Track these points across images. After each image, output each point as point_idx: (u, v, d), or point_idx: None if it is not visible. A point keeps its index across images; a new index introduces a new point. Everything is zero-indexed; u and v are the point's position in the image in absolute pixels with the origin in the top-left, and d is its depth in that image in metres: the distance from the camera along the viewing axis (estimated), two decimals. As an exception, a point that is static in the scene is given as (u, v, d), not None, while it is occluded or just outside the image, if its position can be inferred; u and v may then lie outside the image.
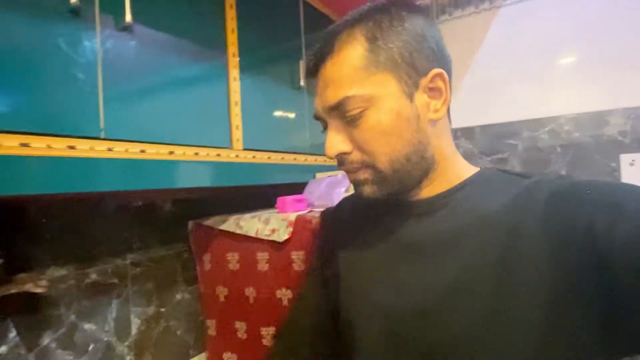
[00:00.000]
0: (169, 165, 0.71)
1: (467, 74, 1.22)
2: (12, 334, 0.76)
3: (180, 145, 0.74)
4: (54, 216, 0.84)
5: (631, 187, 0.40)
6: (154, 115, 0.71)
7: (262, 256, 0.94)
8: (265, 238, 0.91)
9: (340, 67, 0.46)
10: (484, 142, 1.17)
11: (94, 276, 0.90)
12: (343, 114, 0.47)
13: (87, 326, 0.88)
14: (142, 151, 0.66)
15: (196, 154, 0.77)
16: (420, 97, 0.47)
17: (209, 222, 1.04)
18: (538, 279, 0.39)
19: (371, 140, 0.46)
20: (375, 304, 0.50)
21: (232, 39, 0.89)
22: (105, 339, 0.92)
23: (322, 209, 0.91)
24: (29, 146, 0.52)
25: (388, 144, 0.46)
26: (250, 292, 0.96)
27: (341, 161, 0.50)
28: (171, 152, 0.72)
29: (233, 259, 0.99)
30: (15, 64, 0.52)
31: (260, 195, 1.23)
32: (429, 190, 0.51)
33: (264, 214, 0.97)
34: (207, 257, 1.06)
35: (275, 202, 1.02)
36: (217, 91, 0.86)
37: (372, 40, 0.46)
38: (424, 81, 0.47)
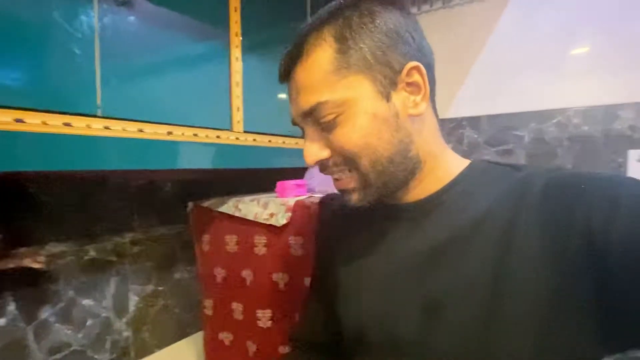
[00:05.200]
0: (168, 146, 0.70)
1: (476, 62, 1.18)
2: (11, 307, 0.77)
3: (179, 126, 0.73)
4: (54, 192, 0.84)
5: (627, 180, 0.39)
6: (152, 94, 0.70)
7: (260, 240, 0.94)
8: (264, 222, 0.91)
9: (310, 72, 0.45)
10: (490, 132, 1.15)
11: (92, 253, 0.91)
12: (317, 120, 0.45)
13: (86, 302, 0.90)
14: (140, 130, 0.66)
15: (195, 135, 0.76)
16: (399, 95, 0.45)
17: (208, 203, 1.03)
18: (534, 275, 0.39)
19: (349, 144, 0.45)
20: (375, 313, 0.49)
21: (235, 17, 0.86)
22: (103, 314, 0.93)
23: (321, 195, 0.90)
24: (23, 122, 0.51)
25: (367, 146, 0.44)
26: (247, 274, 0.96)
27: (323, 167, 0.49)
28: (170, 133, 0.71)
29: (231, 241, 0.99)
30: (9, 37, 0.51)
31: (261, 179, 1.22)
32: (419, 191, 0.49)
33: (263, 197, 0.97)
34: (206, 238, 1.06)
35: (275, 186, 1.02)
36: (218, 71, 0.84)
37: (341, 40, 0.44)
38: (401, 77, 0.45)
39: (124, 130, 0.63)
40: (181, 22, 0.74)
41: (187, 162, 0.74)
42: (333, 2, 0.47)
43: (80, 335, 0.89)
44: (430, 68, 0.47)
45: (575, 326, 0.37)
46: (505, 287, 0.40)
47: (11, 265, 0.68)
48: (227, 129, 0.85)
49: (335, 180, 0.49)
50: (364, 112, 0.44)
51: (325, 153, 0.47)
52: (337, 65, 0.43)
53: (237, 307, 0.99)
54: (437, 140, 0.50)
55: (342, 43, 0.43)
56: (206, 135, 0.79)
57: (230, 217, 0.99)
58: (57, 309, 0.84)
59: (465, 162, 0.50)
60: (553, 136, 1.07)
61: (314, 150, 0.47)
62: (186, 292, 1.15)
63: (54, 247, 0.84)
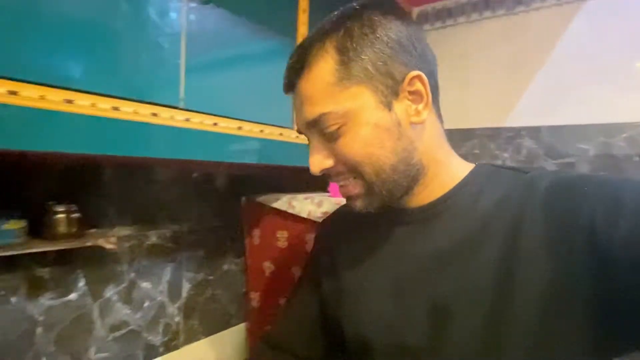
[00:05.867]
0: (237, 140, 0.73)
1: (540, 70, 1.14)
2: (81, 283, 0.83)
3: (247, 122, 0.76)
4: (123, 179, 0.89)
5: (630, 182, 0.39)
6: (226, 89, 0.72)
7: (311, 237, 0.95)
8: (317, 220, 0.92)
9: (313, 84, 0.45)
10: (550, 144, 1.11)
11: (154, 239, 0.95)
12: (321, 130, 0.46)
13: (144, 285, 0.94)
14: (215, 124, 0.68)
15: (261, 131, 0.78)
16: (401, 104, 0.45)
17: (261, 199, 1.06)
18: (537, 276, 0.39)
19: (351, 153, 0.45)
20: (382, 318, 0.49)
21: (303, 18, 0.88)
22: (159, 298, 0.98)
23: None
24: (119, 110, 0.55)
25: (370, 155, 0.45)
26: (296, 270, 0.98)
27: (329, 174, 0.50)
28: (240, 128, 0.74)
29: (282, 237, 1.01)
30: (108, 30, 0.55)
31: (308, 178, 1.23)
32: (424, 196, 0.49)
33: (317, 196, 0.98)
34: (256, 232, 1.09)
35: (326, 186, 1.03)
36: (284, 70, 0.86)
37: (342, 52, 0.44)
38: (403, 86, 0.45)
39: (201, 123, 0.66)
40: (254, 22, 0.77)
41: (253, 157, 0.76)
42: (335, 13, 0.47)
43: (137, 316, 0.93)
44: (432, 75, 0.47)
45: (579, 326, 0.38)
46: (511, 290, 0.40)
47: (88, 244, 0.73)
48: (288, 127, 0.87)
49: (341, 186, 0.50)
50: (366, 122, 0.44)
51: (329, 162, 0.48)
52: (339, 76, 0.44)
53: (284, 301, 1.01)
54: (441, 145, 0.50)
55: (344, 54, 0.44)
56: (270, 132, 0.81)
57: (283, 214, 1.01)
58: (119, 288, 0.89)
59: (470, 166, 0.51)
60: (622, 151, 1.01)
61: (319, 160, 0.48)
62: (232, 283, 1.18)
63: (121, 230, 0.89)
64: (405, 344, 0.47)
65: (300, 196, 1.00)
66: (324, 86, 0.44)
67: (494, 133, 1.20)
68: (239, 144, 0.73)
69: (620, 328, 0.37)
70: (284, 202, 1.00)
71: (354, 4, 0.47)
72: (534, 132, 1.13)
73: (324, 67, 0.44)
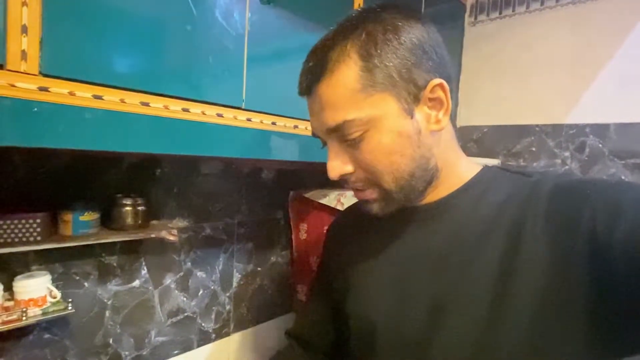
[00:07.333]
0: (294, 138, 0.74)
1: (608, 64, 1.06)
2: (144, 271, 0.88)
3: (302, 120, 0.76)
4: (180, 173, 0.92)
5: (631, 185, 0.40)
6: (283, 88, 0.73)
7: (360, 234, 0.95)
8: (367, 218, 0.92)
9: (335, 89, 0.44)
10: (619, 143, 1.03)
11: (208, 230, 0.99)
12: (342, 136, 0.45)
13: (199, 274, 0.99)
14: (273, 123, 0.70)
15: (316, 129, 0.79)
16: (421, 111, 0.45)
17: (309, 194, 1.07)
18: (537, 277, 0.40)
19: (374, 161, 0.45)
20: (384, 313, 0.50)
21: (358, 14, 0.87)
22: (212, 287, 1.02)
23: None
24: (189, 112, 0.57)
25: (391, 164, 0.45)
26: (344, 267, 0.99)
27: (345, 180, 0.49)
28: (296, 127, 0.74)
29: (330, 233, 1.02)
30: (180, 35, 0.57)
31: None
32: (433, 195, 0.50)
33: (366, 193, 0.97)
34: (303, 227, 1.10)
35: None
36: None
37: (366, 58, 0.43)
38: (424, 93, 0.45)
39: (261, 122, 0.67)
40: (310, 23, 0.77)
41: (308, 155, 0.77)
42: (353, 15, 0.46)
43: (193, 303, 0.98)
44: (449, 79, 0.46)
45: (578, 328, 0.38)
46: (510, 290, 0.41)
47: (152, 235, 0.77)
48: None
49: (356, 190, 0.50)
50: (388, 130, 0.44)
51: (349, 168, 0.47)
52: (364, 83, 0.43)
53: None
54: (454, 147, 0.51)
55: (368, 60, 0.43)
56: (324, 130, 0.81)
57: (330, 209, 1.01)
58: (177, 277, 0.94)
59: (478, 168, 0.51)
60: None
61: (338, 165, 0.47)
62: (279, 275, 1.21)
63: (179, 222, 0.93)
64: (405, 338, 0.48)
65: (349, 193, 0.99)
66: (347, 93, 0.43)
67: (554, 130, 1.13)
68: (295, 143, 0.74)
69: (619, 330, 0.37)
70: (333, 199, 1.01)
71: (374, 6, 0.46)
72: (601, 129, 1.06)
73: (348, 73, 0.43)
